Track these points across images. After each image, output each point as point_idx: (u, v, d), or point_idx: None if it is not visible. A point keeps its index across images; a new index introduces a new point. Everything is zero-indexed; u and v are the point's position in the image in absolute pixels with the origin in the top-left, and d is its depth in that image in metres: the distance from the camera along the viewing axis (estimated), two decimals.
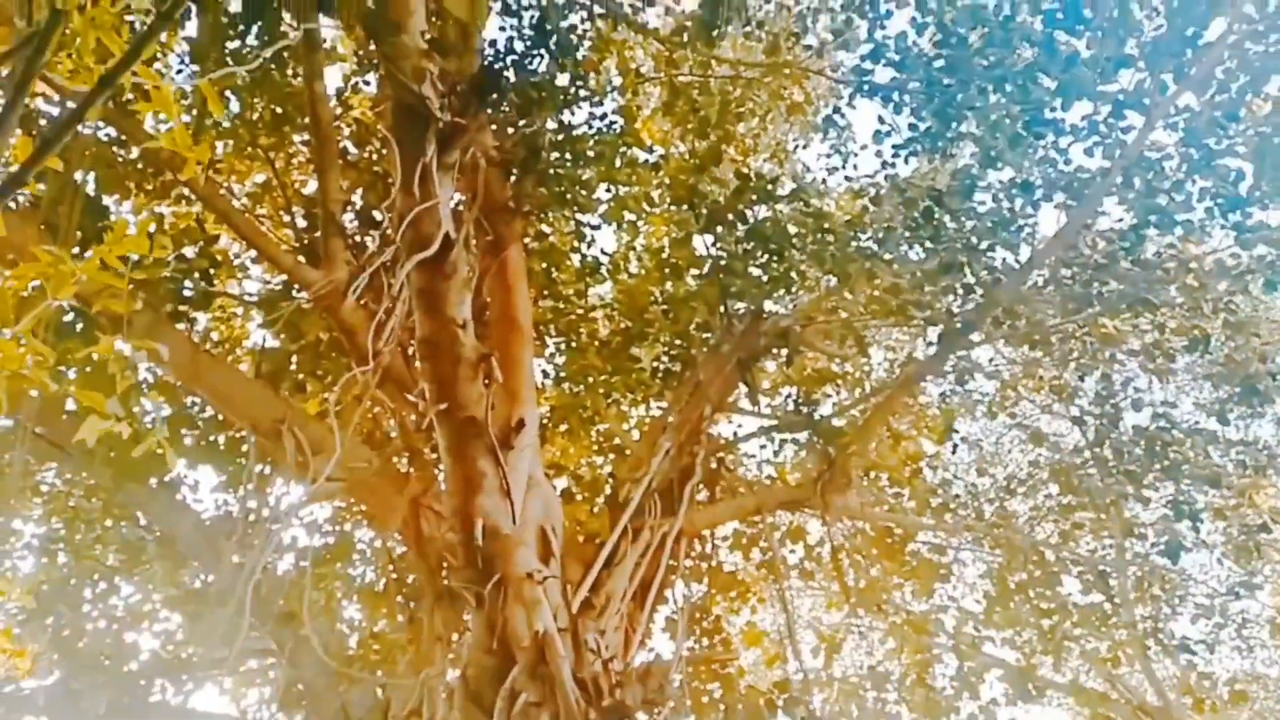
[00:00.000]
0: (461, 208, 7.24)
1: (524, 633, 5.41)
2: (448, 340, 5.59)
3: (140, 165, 7.43)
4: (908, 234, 9.18)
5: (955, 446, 9.97)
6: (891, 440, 10.01)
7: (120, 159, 7.48)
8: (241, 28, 6.74)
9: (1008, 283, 8.52)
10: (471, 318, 5.84)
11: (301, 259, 7.64)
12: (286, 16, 6.44)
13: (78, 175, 6.64)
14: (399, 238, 5.41)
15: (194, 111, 6.98)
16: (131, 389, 5.24)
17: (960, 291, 8.87)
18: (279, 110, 8.11)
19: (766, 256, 8.86)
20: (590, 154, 8.57)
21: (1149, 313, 8.70)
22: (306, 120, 7.74)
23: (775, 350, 8.93)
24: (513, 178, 7.77)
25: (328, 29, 7.98)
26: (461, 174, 6.72)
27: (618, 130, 8.93)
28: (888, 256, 8.78)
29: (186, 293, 7.25)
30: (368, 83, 8.73)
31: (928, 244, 8.97)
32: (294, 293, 7.52)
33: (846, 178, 10.27)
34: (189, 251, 7.46)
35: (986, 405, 10.42)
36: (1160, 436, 8.57)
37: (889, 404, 8.85)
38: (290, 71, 7.80)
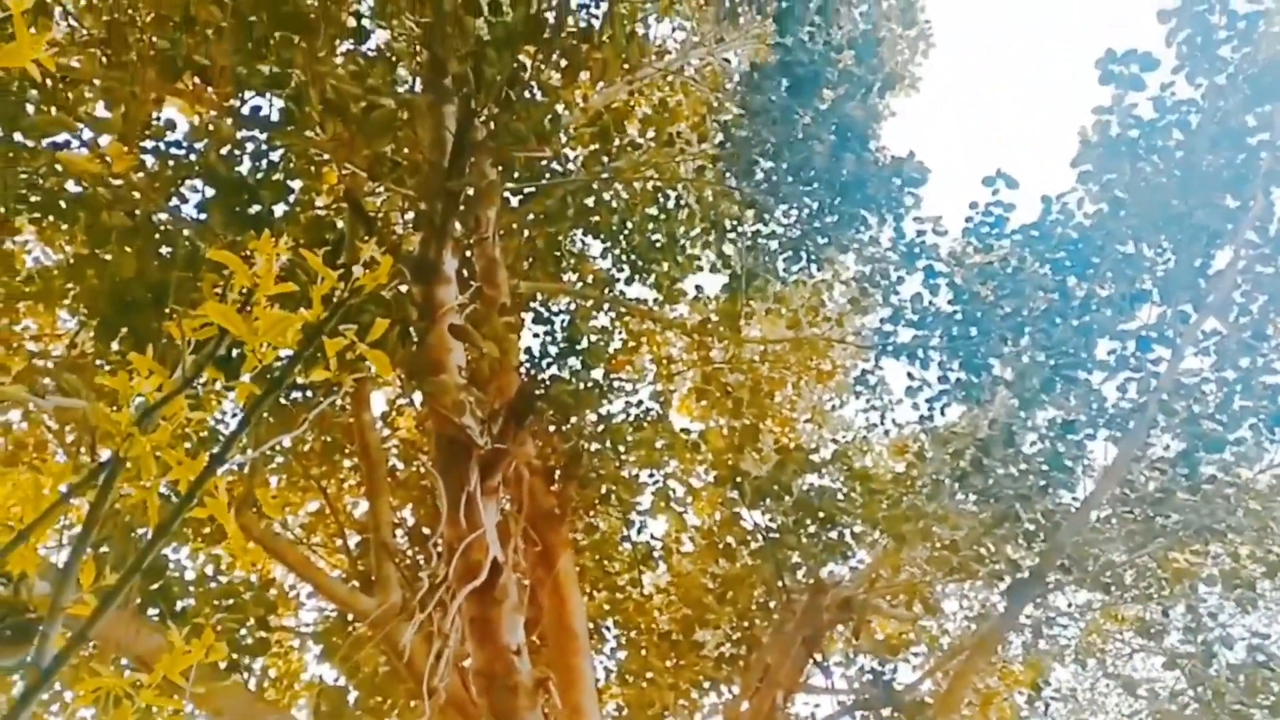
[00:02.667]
0: (507, 514, 7.29)
1: None
2: (503, 670, 5.46)
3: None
4: (957, 484, 9.07)
5: (1047, 705, 9.37)
6: (980, 703, 9.42)
7: None
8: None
9: (1068, 525, 8.30)
10: (525, 639, 5.74)
11: (355, 584, 7.67)
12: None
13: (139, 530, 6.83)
14: (449, 570, 5.44)
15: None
16: None
17: (1022, 540, 8.64)
18: (328, 439, 8.42)
19: (817, 525, 8.75)
20: (630, 440, 8.73)
21: (1217, 541, 8.40)
22: (355, 446, 8.01)
23: (841, 622, 8.63)
24: (556, 480, 7.87)
25: None
26: (505, 487, 6.83)
27: (655, 416, 9.13)
28: (940, 511, 8.64)
29: (243, 636, 7.23)
30: (412, 403, 9.10)
31: (979, 494, 8.83)
32: (349, 621, 7.49)
33: (886, 432, 10.31)
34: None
35: (1073, 652, 9.85)
36: (1259, 672, 8.05)
37: (970, 666, 8.40)
38: (338, 403, 8.16)
